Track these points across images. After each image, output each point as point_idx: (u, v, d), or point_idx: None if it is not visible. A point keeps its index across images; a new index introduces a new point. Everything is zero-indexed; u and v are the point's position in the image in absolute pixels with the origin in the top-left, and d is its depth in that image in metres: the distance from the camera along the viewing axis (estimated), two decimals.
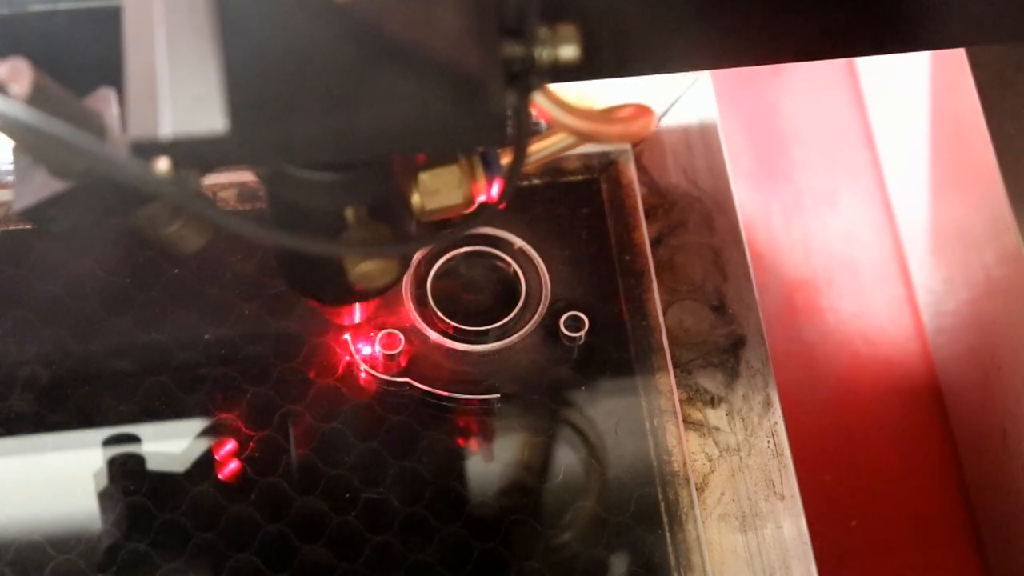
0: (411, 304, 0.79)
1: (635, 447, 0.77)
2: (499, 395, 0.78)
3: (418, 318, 0.79)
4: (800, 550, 0.75)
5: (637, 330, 0.80)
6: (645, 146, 0.84)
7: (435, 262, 0.81)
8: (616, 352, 0.79)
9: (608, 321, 0.80)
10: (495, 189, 0.65)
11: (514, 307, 0.80)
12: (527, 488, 0.76)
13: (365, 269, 0.63)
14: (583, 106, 0.60)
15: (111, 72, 0.58)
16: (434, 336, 0.79)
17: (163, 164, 0.54)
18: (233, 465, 0.76)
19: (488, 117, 0.54)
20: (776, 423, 0.77)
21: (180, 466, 0.76)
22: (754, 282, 0.81)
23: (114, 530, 0.74)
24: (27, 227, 0.81)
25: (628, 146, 0.84)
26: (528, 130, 0.57)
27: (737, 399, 0.78)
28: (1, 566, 0.73)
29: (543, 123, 0.74)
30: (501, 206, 0.62)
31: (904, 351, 0.95)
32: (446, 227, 0.64)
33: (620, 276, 0.81)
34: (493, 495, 0.76)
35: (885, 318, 0.96)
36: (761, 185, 1.00)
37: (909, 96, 0.94)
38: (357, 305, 0.75)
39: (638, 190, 0.83)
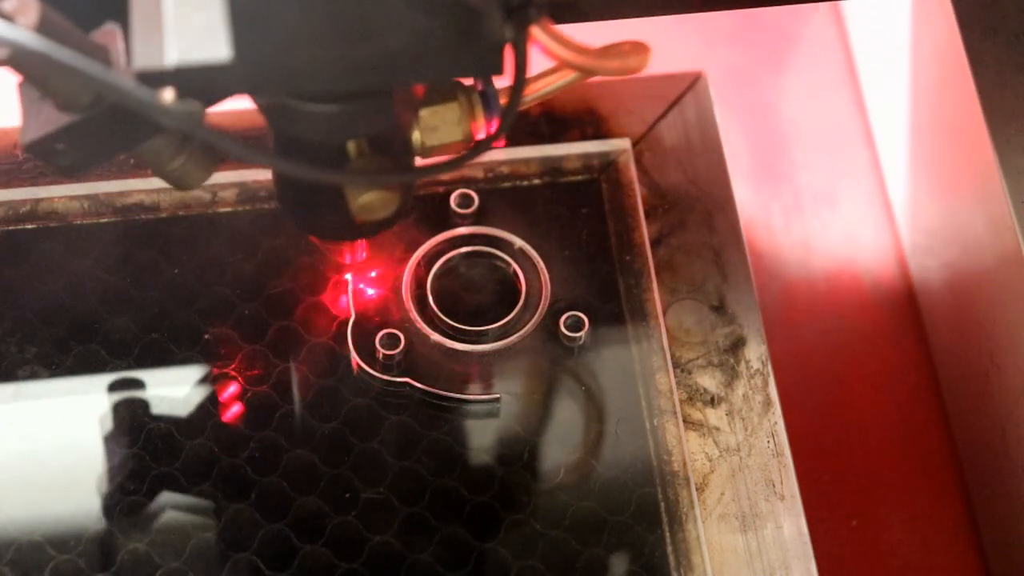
0: (411, 304, 0.79)
1: (635, 447, 0.77)
2: (499, 395, 0.78)
3: (418, 318, 0.79)
4: (800, 550, 0.75)
5: (637, 330, 0.80)
6: (645, 146, 0.84)
7: (435, 262, 0.81)
8: (616, 352, 0.79)
9: (608, 321, 0.80)
10: (493, 128, 0.66)
11: (514, 307, 0.80)
12: (527, 488, 0.76)
13: (366, 200, 0.63)
14: (581, 43, 0.60)
15: (116, 8, 0.59)
16: (434, 336, 0.79)
17: (168, 94, 0.55)
18: (234, 462, 0.76)
19: (486, 47, 0.56)
20: (776, 423, 0.77)
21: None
22: (754, 282, 0.81)
23: None
24: (27, 227, 0.81)
25: (628, 146, 0.84)
26: (526, 63, 0.57)
27: (737, 399, 0.78)
28: (1, 566, 0.73)
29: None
30: (500, 142, 0.63)
31: (904, 351, 0.95)
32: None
33: (620, 276, 0.81)
34: (493, 495, 0.76)
35: (885, 318, 0.96)
36: (761, 185, 1.00)
37: (909, 96, 0.94)
38: (358, 242, 0.76)
39: (638, 190, 0.83)
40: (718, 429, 0.77)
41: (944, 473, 0.91)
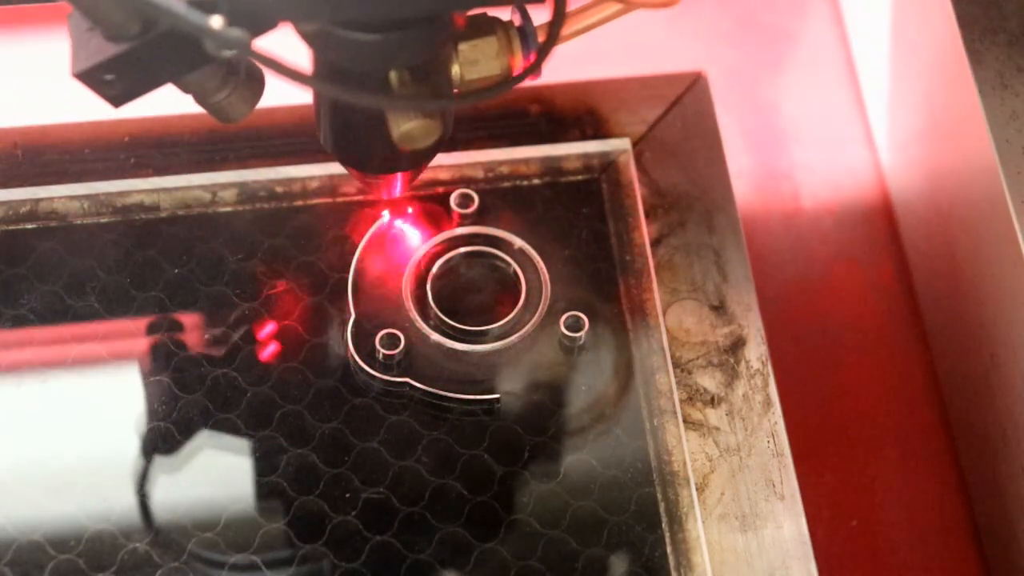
0: (411, 304, 0.79)
1: (635, 447, 0.77)
2: (499, 395, 0.78)
3: (418, 318, 0.79)
4: (800, 550, 0.75)
5: (637, 330, 0.80)
6: (645, 146, 0.84)
7: (435, 262, 0.81)
8: (616, 352, 0.79)
9: (608, 321, 0.80)
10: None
11: (514, 307, 0.80)
12: (527, 487, 0.76)
13: (409, 128, 0.65)
14: None
15: None
16: (434, 336, 0.78)
17: (218, 19, 0.57)
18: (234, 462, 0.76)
19: None
20: (776, 423, 0.77)
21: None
22: (754, 282, 0.81)
23: None
24: (27, 227, 0.81)
25: (628, 146, 0.84)
26: None
27: (737, 399, 0.78)
28: (1, 566, 0.73)
29: None
30: (536, 75, 0.64)
31: (904, 351, 0.95)
32: None
33: (620, 276, 0.81)
34: (493, 495, 0.76)
35: (885, 319, 0.96)
36: (761, 185, 1.00)
37: (909, 97, 0.94)
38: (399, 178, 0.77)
39: (638, 190, 0.83)
40: (718, 429, 0.77)
41: (944, 473, 0.91)
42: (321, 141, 0.74)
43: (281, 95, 0.77)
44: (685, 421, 0.77)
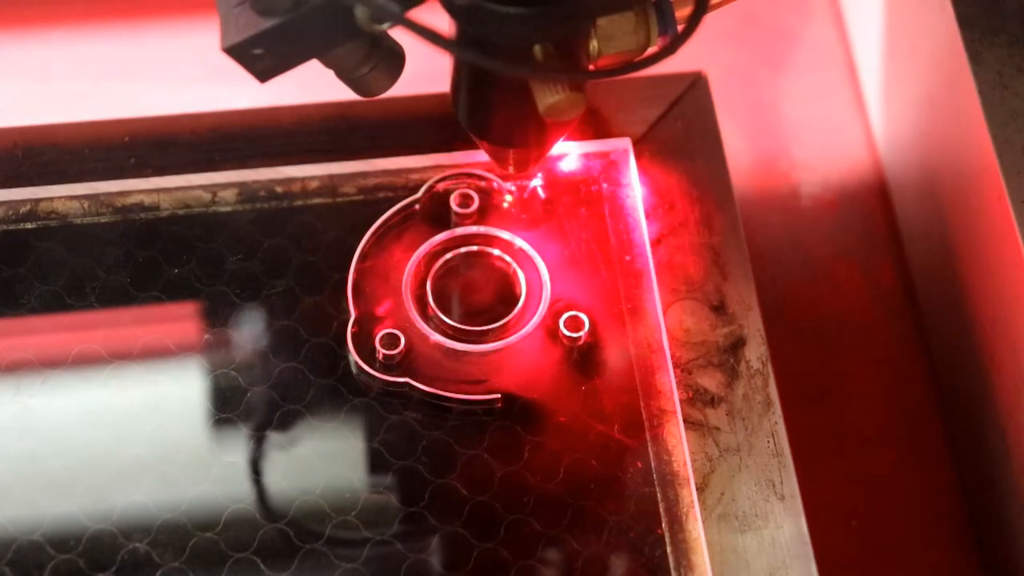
0: (411, 304, 0.79)
1: (635, 447, 0.77)
2: (499, 395, 0.78)
3: (418, 318, 0.79)
4: (800, 550, 0.75)
5: (637, 330, 0.80)
6: (645, 146, 0.84)
7: (435, 262, 0.81)
8: (616, 352, 0.79)
9: (608, 321, 0.80)
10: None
11: (514, 307, 0.80)
12: (527, 488, 0.76)
13: (556, 100, 0.66)
14: None
15: None
16: (434, 336, 0.78)
17: None
18: (234, 462, 0.76)
19: None
20: (776, 423, 0.77)
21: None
22: (754, 282, 0.81)
23: None
24: (27, 227, 0.81)
25: (628, 146, 0.84)
26: None
27: (737, 399, 0.78)
28: (1, 566, 0.73)
29: None
30: (686, 39, 0.65)
31: (904, 351, 0.95)
32: None
33: (620, 276, 0.81)
34: (493, 495, 0.76)
35: (886, 318, 0.96)
36: (761, 185, 1.00)
37: (909, 97, 0.94)
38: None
39: (638, 190, 0.83)
40: (718, 429, 0.77)
41: (944, 473, 0.91)
42: (457, 117, 0.75)
43: (282, 95, 0.77)
44: (685, 421, 0.77)
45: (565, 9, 0.63)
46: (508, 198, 0.82)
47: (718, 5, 0.72)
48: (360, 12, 0.63)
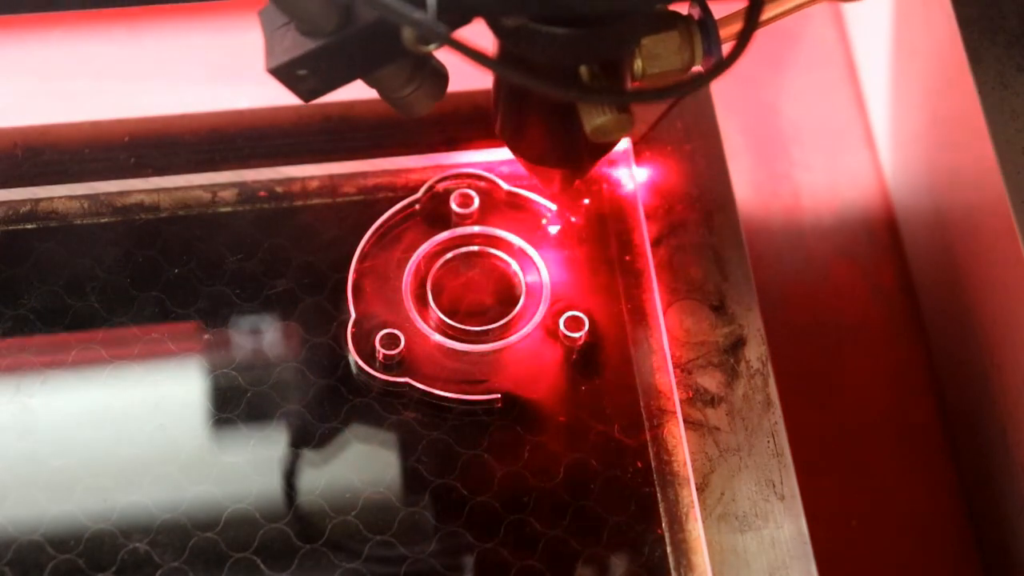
0: (411, 304, 0.79)
1: (635, 447, 0.77)
2: (499, 395, 0.78)
3: (418, 318, 0.79)
4: (800, 550, 0.75)
5: (637, 330, 0.80)
6: (645, 146, 0.84)
7: (435, 262, 0.81)
8: (616, 352, 0.79)
9: (608, 321, 0.80)
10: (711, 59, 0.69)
11: (514, 307, 0.80)
12: (527, 488, 0.76)
13: (603, 121, 0.66)
14: None
15: None
16: (434, 336, 0.78)
17: (422, 14, 0.58)
18: (234, 461, 0.76)
19: None
20: (776, 423, 0.77)
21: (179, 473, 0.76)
22: (754, 282, 0.81)
23: None
24: (27, 227, 0.81)
25: (628, 146, 0.84)
26: None
27: (737, 399, 0.78)
28: (1, 566, 0.73)
29: None
30: (734, 61, 0.65)
31: (904, 351, 0.95)
32: None
33: (620, 276, 0.81)
34: (493, 495, 0.76)
35: (885, 318, 0.96)
36: (761, 185, 1.00)
37: (909, 96, 0.94)
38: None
39: (638, 190, 0.83)
40: (718, 429, 0.77)
41: (944, 473, 0.91)
42: (498, 133, 0.75)
43: (282, 95, 0.77)
44: (685, 421, 0.77)
45: (611, 30, 0.63)
46: (547, 216, 0.82)
47: (768, 22, 0.71)
48: (407, 33, 0.62)
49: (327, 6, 0.62)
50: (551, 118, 0.72)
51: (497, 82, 0.73)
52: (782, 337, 0.93)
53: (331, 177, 0.82)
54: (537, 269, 0.80)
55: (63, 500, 0.75)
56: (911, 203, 0.96)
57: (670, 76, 0.70)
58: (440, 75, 0.70)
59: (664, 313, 0.80)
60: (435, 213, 0.82)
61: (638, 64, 0.69)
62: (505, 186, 0.82)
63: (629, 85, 0.70)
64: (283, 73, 0.64)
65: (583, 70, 0.65)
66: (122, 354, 0.78)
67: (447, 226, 0.82)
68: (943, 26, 0.85)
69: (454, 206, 0.81)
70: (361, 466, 0.76)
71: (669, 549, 0.75)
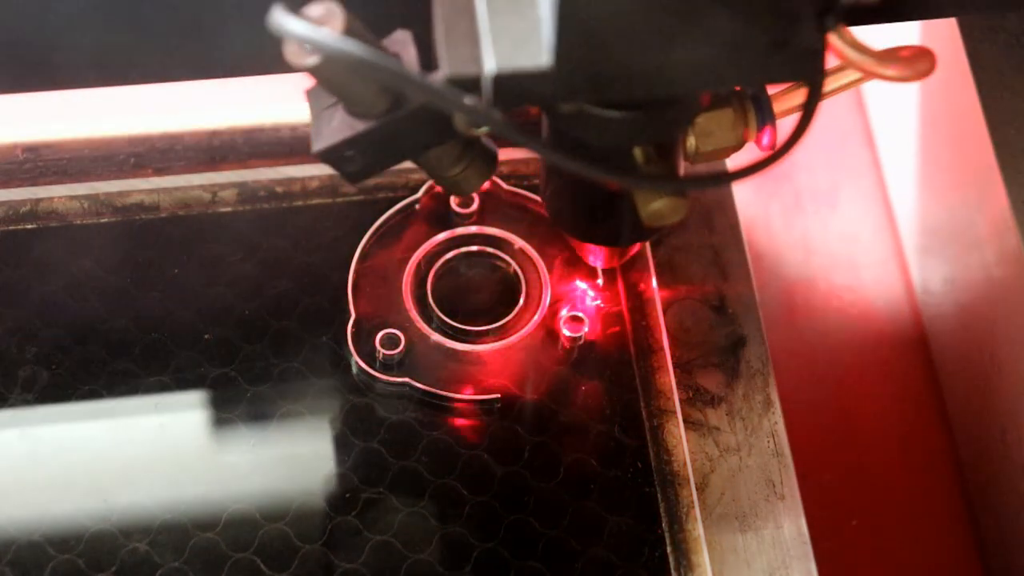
0: (411, 304, 0.79)
1: (635, 447, 0.77)
2: (499, 395, 0.78)
3: (418, 318, 0.79)
4: (800, 550, 0.75)
5: (637, 330, 0.80)
6: None
7: (435, 262, 0.81)
8: (616, 352, 0.79)
9: (608, 321, 0.80)
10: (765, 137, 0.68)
11: (514, 307, 0.80)
12: (527, 488, 0.76)
13: (658, 207, 0.65)
14: (869, 46, 0.61)
15: (403, 16, 0.62)
16: (434, 336, 0.78)
17: (473, 99, 0.57)
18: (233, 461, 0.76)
19: (802, 53, 0.57)
20: (776, 423, 0.77)
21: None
22: (754, 282, 0.81)
23: None
24: (27, 227, 0.81)
25: None
26: (824, 69, 0.59)
27: (737, 399, 0.78)
28: (1, 566, 0.73)
29: None
30: (793, 147, 0.64)
31: (904, 351, 0.95)
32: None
33: (620, 276, 0.81)
34: (493, 495, 0.76)
35: (885, 318, 0.96)
36: (761, 185, 1.00)
37: (909, 96, 0.94)
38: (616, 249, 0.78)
39: None
40: (718, 429, 0.77)
41: (944, 473, 0.91)
42: (550, 217, 0.75)
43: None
44: (685, 421, 0.77)
45: (665, 112, 0.62)
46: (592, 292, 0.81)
47: (830, 94, 0.70)
48: (458, 116, 0.62)
49: (379, 90, 0.61)
50: (602, 201, 0.71)
51: (549, 169, 0.73)
52: (782, 337, 0.93)
53: (331, 177, 0.82)
54: (537, 269, 0.80)
55: (63, 500, 0.75)
56: (911, 202, 0.96)
57: (724, 153, 0.70)
58: (489, 154, 0.69)
59: (664, 313, 0.80)
60: (435, 213, 0.82)
61: (691, 142, 0.68)
62: (505, 186, 0.82)
63: (682, 163, 0.69)
64: (330, 156, 0.63)
65: (637, 151, 0.64)
66: (123, 354, 0.78)
67: (447, 226, 0.82)
68: (943, 26, 0.85)
69: (454, 206, 0.81)
70: (361, 466, 0.76)
71: (669, 549, 0.75)
